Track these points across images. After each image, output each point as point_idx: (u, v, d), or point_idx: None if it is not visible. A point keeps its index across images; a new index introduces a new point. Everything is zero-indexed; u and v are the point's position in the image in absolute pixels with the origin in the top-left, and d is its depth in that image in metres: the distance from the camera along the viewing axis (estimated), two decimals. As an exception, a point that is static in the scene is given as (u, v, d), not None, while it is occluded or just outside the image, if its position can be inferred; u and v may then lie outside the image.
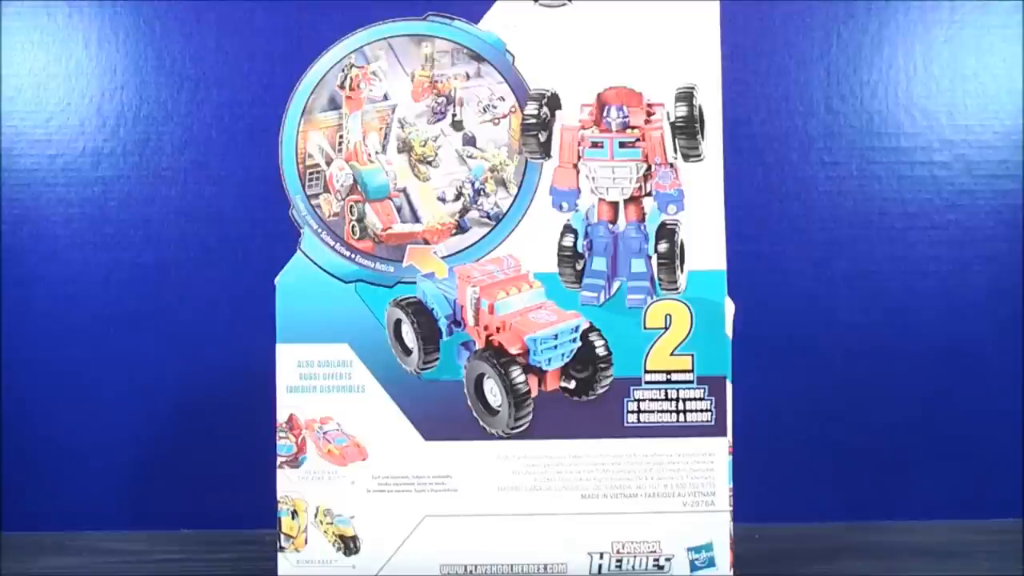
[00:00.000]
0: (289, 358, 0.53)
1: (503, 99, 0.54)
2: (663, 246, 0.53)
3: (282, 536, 0.54)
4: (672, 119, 0.53)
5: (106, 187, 0.68)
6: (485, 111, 0.54)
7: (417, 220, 0.54)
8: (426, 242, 0.54)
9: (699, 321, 0.53)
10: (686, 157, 0.53)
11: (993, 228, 0.68)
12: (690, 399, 0.53)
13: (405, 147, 0.54)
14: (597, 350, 0.53)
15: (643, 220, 0.54)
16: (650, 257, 0.54)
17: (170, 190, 0.68)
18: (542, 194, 0.54)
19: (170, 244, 0.68)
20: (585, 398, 0.53)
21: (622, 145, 0.53)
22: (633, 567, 0.53)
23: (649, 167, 0.53)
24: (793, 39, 0.69)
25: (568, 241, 0.53)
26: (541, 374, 0.53)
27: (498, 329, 0.53)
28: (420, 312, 0.53)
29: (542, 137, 0.53)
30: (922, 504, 0.69)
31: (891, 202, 0.69)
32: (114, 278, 0.68)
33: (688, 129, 0.52)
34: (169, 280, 0.68)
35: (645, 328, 0.53)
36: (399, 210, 0.54)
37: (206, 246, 0.68)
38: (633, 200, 0.54)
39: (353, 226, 0.54)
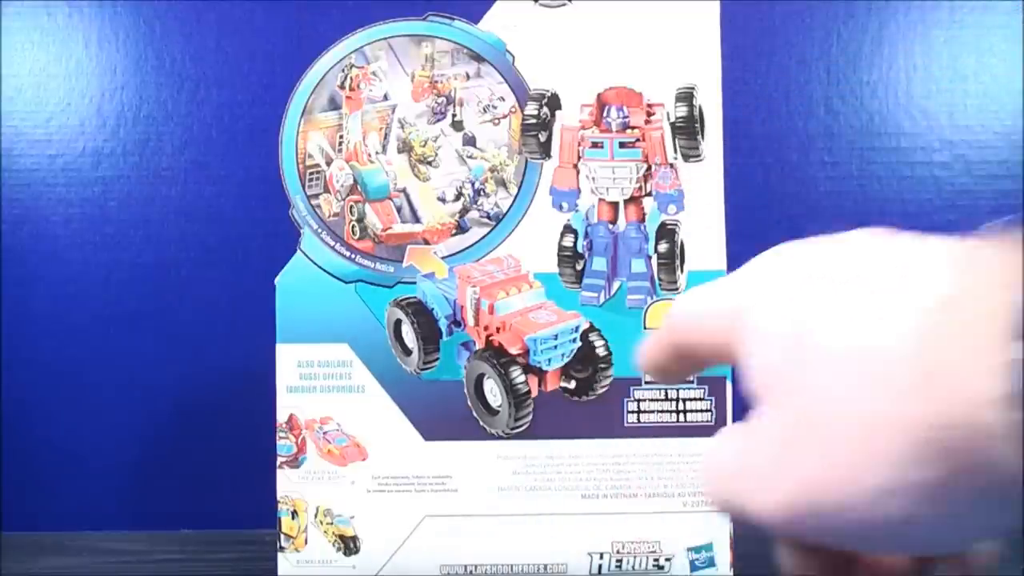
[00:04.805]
0: (289, 358, 0.53)
1: (503, 99, 0.54)
2: (663, 246, 0.53)
3: (282, 536, 0.54)
4: (672, 119, 0.53)
5: (106, 187, 0.68)
6: (485, 111, 0.54)
7: (417, 220, 0.54)
8: (426, 242, 0.54)
9: (699, 321, 0.53)
10: (686, 157, 0.53)
11: (993, 228, 0.68)
12: (690, 399, 0.53)
13: (405, 147, 0.54)
14: (597, 350, 0.53)
15: (643, 220, 0.54)
16: (650, 257, 0.54)
17: (170, 190, 0.68)
18: (542, 194, 0.54)
19: (170, 244, 0.68)
20: (585, 398, 0.53)
21: (622, 145, 0.53)
22: (633, 567, 0.53)
23: (649, 167, 0.53)
24: (793, 39, 0.69)
25: (568, 241, 0.53)
26: (541, 374, 0.53)
27: (498, 329, 0.53)
28: (420, 312, 0.53)
29: (542, 137, 0.53)
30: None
31: (891, 202, 0.68)
32: (114, 278, 0.68)
33: (688, 129, 0.53)
34: (169, 280, 0.68)
35: (645, 328, 0.53)
36: (399, 210, 0.54)
37: (206, 246, 0.68)
38: (633, 200, 0.54)
39: (353, 226, 0.54)
